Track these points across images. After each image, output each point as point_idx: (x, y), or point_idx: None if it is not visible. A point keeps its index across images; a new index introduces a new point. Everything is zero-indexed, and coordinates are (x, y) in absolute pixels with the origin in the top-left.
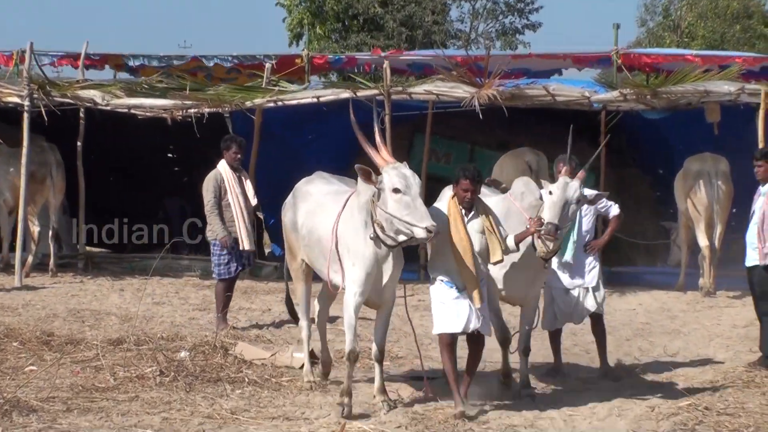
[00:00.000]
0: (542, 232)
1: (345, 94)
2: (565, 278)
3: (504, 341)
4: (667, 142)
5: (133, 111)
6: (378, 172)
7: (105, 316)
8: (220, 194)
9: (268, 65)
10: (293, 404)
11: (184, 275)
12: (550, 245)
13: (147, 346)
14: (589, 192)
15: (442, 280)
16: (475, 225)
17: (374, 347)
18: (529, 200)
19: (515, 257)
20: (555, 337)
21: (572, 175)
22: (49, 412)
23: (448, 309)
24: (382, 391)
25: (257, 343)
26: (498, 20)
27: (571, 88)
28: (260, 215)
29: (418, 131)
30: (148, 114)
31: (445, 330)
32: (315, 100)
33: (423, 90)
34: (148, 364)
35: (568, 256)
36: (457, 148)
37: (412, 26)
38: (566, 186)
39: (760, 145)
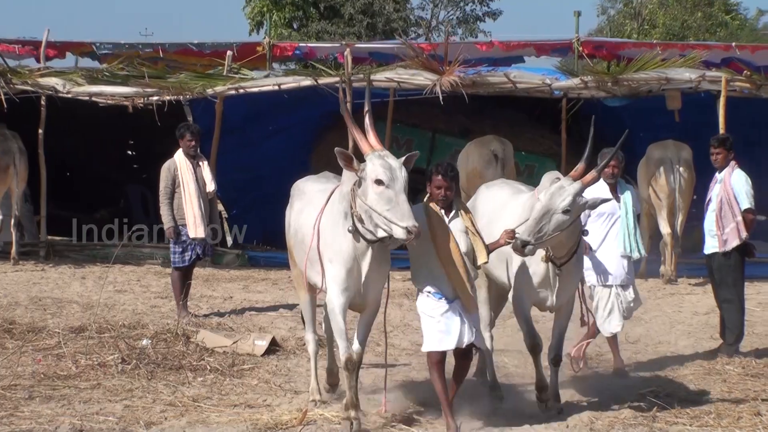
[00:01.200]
0: (512, 245)
1: (306, 82)
2: (621, 273)
3: (534, 348)
4: (629, 128)
5: (94, 99)
6: (362, 159)
7: (67, 304)
8: (173, 183)
9: (229, 53)
10: (255, 392)
11: (145, 263)
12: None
13: (109, 334)
14: (591, 198)
15: (429, 292)
16: (457, 224)
17: (351, 351)
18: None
19: (538, 258)
20: (615, 338)
21: (618, 168)
22: (11, 400)
23: (438, 324)
24: (354, 406)
25: (219, 331)
26: (459, 8)
27: (532, 75)
28: (219, 206)
29: (379, 119)
30: (109, 102)
31: (437, 348)
32: (276, 87)
33: (384, 77)
34: (109, 352)
35: (640, 250)
36: (419, 135)
37: (372, 14)
38: (557, 192)
39: (721, 132)
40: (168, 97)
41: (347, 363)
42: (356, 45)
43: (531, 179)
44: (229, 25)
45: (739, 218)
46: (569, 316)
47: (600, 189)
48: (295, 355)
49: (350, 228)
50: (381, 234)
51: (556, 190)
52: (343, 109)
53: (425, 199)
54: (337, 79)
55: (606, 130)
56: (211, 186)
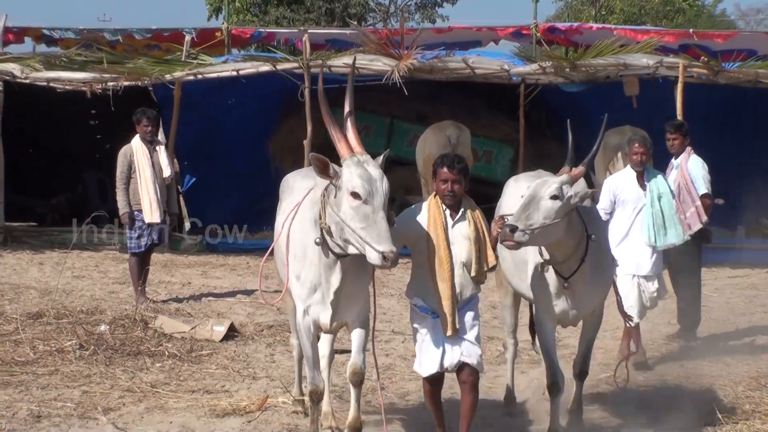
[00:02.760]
0: (499, 234)
1: (265, 68)
2: (645, 263)
3: (553, 386)
4: (586, 115)
5: (52, 84)
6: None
7: (24, 289)
8: (129, 169)
9: (187, 38)
10: (213, 377)
11: (103, 249)
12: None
13: (67, 320)
14: (582, 190)
15: (416, 305)
16: (462, 229)
17: (350, 364)
18: (577, 187)
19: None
20: (637, 328)
21: (646, 155)
22: None
23: (423, 344)
24: (357, 427)
25: (177, 317)
26: None
27: (490, 60)
28: (177, 187)
29: (337, 105)
30: (67, 87)
31: (421, 371)
32: (235, 73)
33: (343, 63)
34: (67, 338)
35: (671, 238)
36: (376, 121)
37: (331, 0)
38: (543, 181)
39: (679, 118)
40: (125, 83)
41: (312, 395)
42: (314, 31)
43: (489, 165)
44: (187, 11)
45: (698, 203)
46: (597, 329)
47: (626, 177)
48: (254, 341)
49: (317, 240)
50: (352, 251)
51: (540, 182)
52: (322, 101)
53: (431, 195)
54: (295, 64)
55: (566, 115)
56: (167, 171)
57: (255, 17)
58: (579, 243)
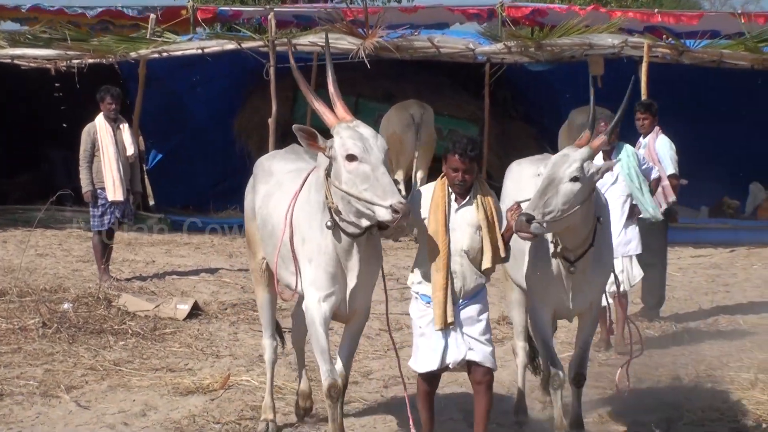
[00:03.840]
0: (515, 225)
1: (230, 46)
2: (622, 242)
3: (554, 379)
4: (553, 94)
5: (16, 61)
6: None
7: None
8: (92, 146)
9: (152, 16)
10: (177, 356)
11: (67, 227)
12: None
13: (30, 298)
14: (604, 163)
15: (417, 294)
16: (467, 216)
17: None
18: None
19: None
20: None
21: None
22: None
23: (425, 337)
24: None
25: (141, 295)
26: None
27: (455, 39)
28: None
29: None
30: (31, 64)
31: (418, 367)
32: (200, 51)
33: (308, 42)
34: (30, 316)
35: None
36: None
37: None
38: (561, 160)
39: (643, 98)
40: (90, 60)
41: (330, 390)
42: (280, 9)
43: None
44: None
45: (666, 183)
46: (595, 325)
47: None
48: (217, 320)
49: (328, 223)
50: (365, 223)
51: (559, 157)
52: (296, 74)
53: (439, 177)
54: (260, 43)
55: (531, 94)
56: (131, 150)
57: None
58: (592, 225)
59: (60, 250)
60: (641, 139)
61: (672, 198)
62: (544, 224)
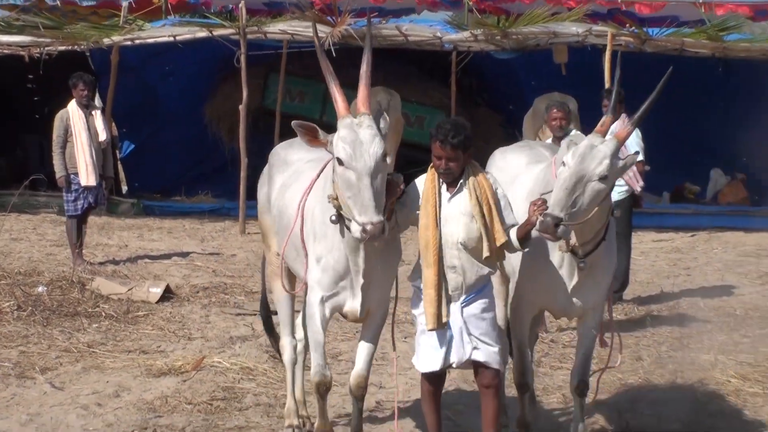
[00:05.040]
0: (538, 227)
1: (202, 33)
2: None
3: (521, 386)
4: (518, 81)
5: None
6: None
7: None
8: (65, 132)
9: (124, 4)
10: (149, 338)
11: (41, 212)
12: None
13: (5, 282)
14: (629, 156)
15: (418, 288)
16: (460, 205)
17: (352, 375)
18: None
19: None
20: None
21: (565, 119)
22: None
23: (427, 334)
24: None
25: (114, 279)
26: None
27: (423, 28)
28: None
29: (273, 71)
30: (5, 51)
31: (420, 367)
32: (172, 38)
33: (278, 30)
34: (5, 299)
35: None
36: (312, 86)
37: None
38: (589, 154)
39: (606, 86)
40: (63, 47)
41: (319, 386)
42: None
43: (421, 130)
44: None
45: (634, 169)
46: (598, 327)
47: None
48: (189, 303)
49: (333, 217)
50: None
51: (586, 150)
52: (322, 60)
53: (429, 168)
54: (232, 30)
55: (497, 82)
56: (103, 135)
57: None
58: (607, 217)
59: (34, 234)
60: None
61: (641, 183)
62: (569, 226)
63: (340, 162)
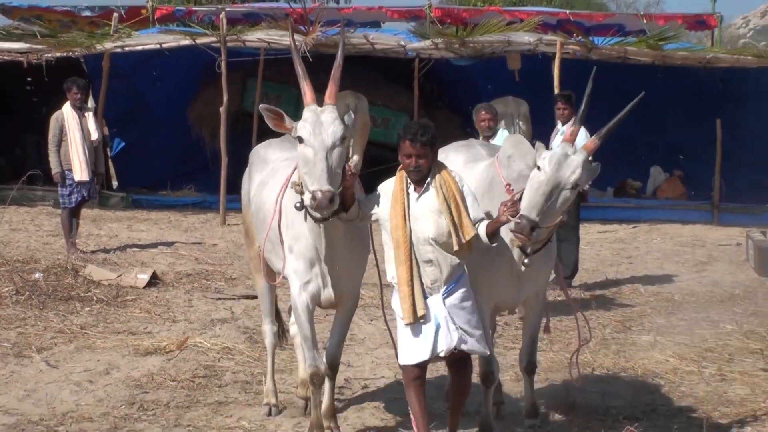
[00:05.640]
0: (512, 227)
1: (185, 41)
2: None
3: (486, 377)
4: (475, 86)
5: None
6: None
7: None
8: (60, 132)
9: (115, 14)
10: (137, 320)
11: (38, 204)
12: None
13: (4, 268)
14: (595, 164)
15: (394, 285)
16: (428, 203)
17: (325, 356)
18: (517, 167)
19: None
20: None
21: (493, 120)
22: None
23: (410, 328)
24: (331, 415)
25: (104, 266)
26: None
27: (388, 37)
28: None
29: (250, 76)
30: (5, 57)
31: (407, 361)
32: (158, 46)
33: (256, 38)
34: (5, 285)
35: None
36: (287, 91)
37: None
38: (564, 162)
39: (556, 91)
40: (58, 54)
41: (313, 377)
42: (231, 9)
43: (387, 130)
44: None
45: None
46: (542, 314)
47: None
48: (174, 288)
49: (297, 204)
50: None
51: (561, 158)
52: (295, 56)
53: (398, 170)
54: (213, 38)
55: (457, 86)
56: (95, 135)
57: None
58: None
59: (32, 225)
60: (559, 126)
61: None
62: (541, 230)
63: (301, 140)
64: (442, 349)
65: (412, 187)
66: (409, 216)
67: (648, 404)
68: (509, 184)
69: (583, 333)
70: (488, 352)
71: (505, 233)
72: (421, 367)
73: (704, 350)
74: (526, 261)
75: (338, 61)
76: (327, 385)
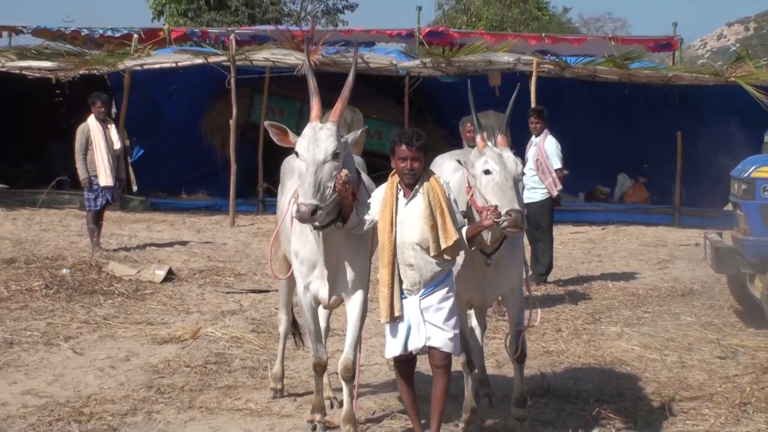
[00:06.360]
0: (503, 224)
1: (198, 60)
2: None
3: (468, 364)
4: (459, 101)
5: (24, 72)
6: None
7: (0, 240)
8: (86, 142)
9: (135, 36)
10: (154, 312)
11: (66, 207)
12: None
13: (35, 265)
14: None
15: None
16: (415, 208)
17: (340, 361)
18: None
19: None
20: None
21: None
22: None
23: (392, 324)
24: (351, 420)
25: (125, 263)
26: (322, 1)
27: (381, 56)
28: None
29: (257, 92)
30: (36, 75)
31: (386, 353)
32: (174, 64)
33: (262, 57)
34: (35, 280)
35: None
36: (290, 105)
37: (252, 5)
38: (511, 157)
39: (533, 105)
40: (83, 71)
41: (316, 366)
42: (240, 31)
43: (380, 141)
44: (135, 13)
45: (554, 175)
46: (521, 305)
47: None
48: (188, 282)
49: (294, 213)
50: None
51: (507, 155)
52: (308, 74)
53: (391, 174)
54: (224, 58)
55: (443, 101)
56: (117, 144)
57: (190, 20)
58: None
59: (60, 226)
60: (533, 138)
61: (559, 187)
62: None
63: (297, 155)
64: (412, 348)
65: (401, 193)
66: (397, 221)
67: (616, 388)
68: (470, 187)
69: (533, 315)
70: (458, 352)
71: None
72: (407, 362)
73: (666, 340)
74: (488, 261)
75: (350, 79)
76: (345, 389)
